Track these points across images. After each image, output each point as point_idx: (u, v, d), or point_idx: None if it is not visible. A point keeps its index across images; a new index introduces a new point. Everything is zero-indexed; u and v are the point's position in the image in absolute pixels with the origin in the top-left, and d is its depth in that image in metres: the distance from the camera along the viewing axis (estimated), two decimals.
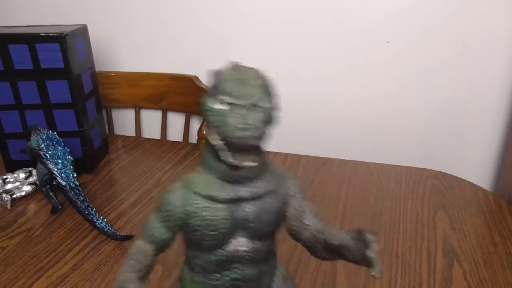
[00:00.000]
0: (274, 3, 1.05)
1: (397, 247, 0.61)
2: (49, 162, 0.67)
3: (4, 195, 0.73)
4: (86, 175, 0.83)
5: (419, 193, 0.75)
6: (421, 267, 0.57)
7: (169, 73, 1.12)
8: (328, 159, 0.88)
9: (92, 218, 0.64)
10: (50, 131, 0.71)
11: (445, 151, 1.12)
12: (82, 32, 0.81)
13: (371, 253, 0.29)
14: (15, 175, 0.78)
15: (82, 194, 0.66)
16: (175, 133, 1.23)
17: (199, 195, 0.34)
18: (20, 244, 0.63)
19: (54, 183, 0.68)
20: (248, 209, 0.34)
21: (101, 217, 0.64)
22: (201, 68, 1.14)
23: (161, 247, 0.37)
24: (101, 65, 1.17)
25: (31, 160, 0.74)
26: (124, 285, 0.33)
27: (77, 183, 0.67)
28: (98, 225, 0.63)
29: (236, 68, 0.33)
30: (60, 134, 0.74)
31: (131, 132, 1.21)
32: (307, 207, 0.36)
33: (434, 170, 0.83)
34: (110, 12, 1.16)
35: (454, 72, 1.03)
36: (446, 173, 0.82)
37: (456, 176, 0.81)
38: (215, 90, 0.32)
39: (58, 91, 0.78)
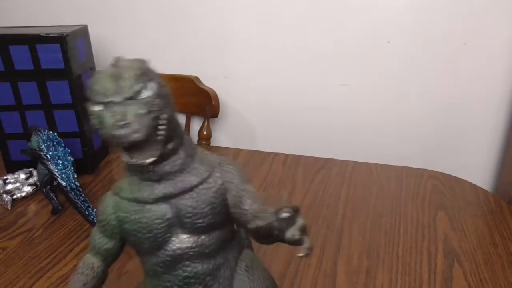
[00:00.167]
0: (274, 4, 1.05)
1: (397, 247, 0.61)
2: (49, 162, 0.67)
3: (4, 195, 0.73)
4: (86, 176, 0.83)
5: (419, 194, 0.75)
6: (421, 267, 0.57)
7: (169, 74, 1.12)
8: (329, 159, 0.88)
9: (92, 218, 0.64)
10: (51, 132, 0.71)
11: (445, 151, 1.12)
12: (82, 32, 0.81)
13: (292, 232, 0.27)
14: (16, 175, 0.78)
15: (83, 195, 0.66)
16: None
17: (126, 199, 0.34)
18: (21, 244, 0.63)
19: (55, 183, 0.68)
20: (179, 204, 0.33)
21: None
22: (202, 68, 1.14)
23: (107, 257, 0.37)
24: (101, 66, 1.16)
25: (32, 160, 0.74)
26: None
27: (78, 184, 0.67)
28: None
29: (115, 63, 0.30)
30: (61, 134, 0.74)
31: None
32: (246, 192, 0.34)
33: (434, 171, 0.83)
34: (111, 12, 1.16)
35: (454, 72, 1.03)
36: (446, 174, 0.82)
37: (456, 177, 0.81)
38: (90, 92, 0.30)
39: (59, 91, 0.78)
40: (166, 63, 1.16)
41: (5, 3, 1.22)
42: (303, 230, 0.28)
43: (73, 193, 0.65)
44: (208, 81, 1.13)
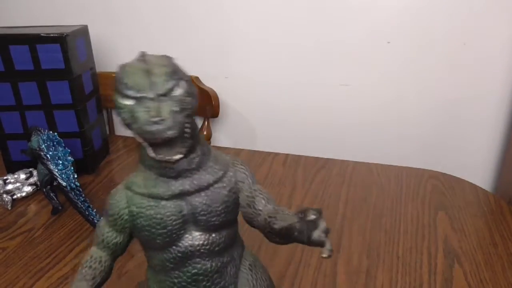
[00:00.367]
0: (274, 4, 1.05)
1: (397, 247, 0.61)
2: (49, 162, 0.67)
3: (4, 195, 0.73)
4: (86, 176, 0.83)
5: (419, 194, 0.75)
6: (421, 267, 0.57)
7: None
8: (329, 159, 0.88)
9: (92, 218, 0.64)
10: (51, 132, 0.71)
11: (445, 151, 1.12)
12: (82, 32, 0.81)
13: (318, 233, 0.27)
14: (16, 175, 0.78)
15: (83, 195, 0.66)
16: None
17: (142, 194, 0.33)
18: (21, 245, 0.63)
19: (55, 183, 0.68)
20: (195, 202, 0.33)
21: (102, 217, 0.64)
22: (202, 68, 1.14)
23: (114, 252, 0.36)
24: (101, 66, 1.17)
25: (32, 160, 0.74)
26: None
27: (78, 184, 0.67)
28: None
29: (142, 58, 0.31)
30: (61, 134, 0.74)
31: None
32: (258, 192, 0.35)
33: (434, 171, 0.83)
34: (111, 12, 1.16)
35: (454, 73, 1.03)
36: (446, 174, 0.82)
37: (456, 177, 0.81)
38: (120, 85, 0.30)
39: (59, 91, 0.78)
40: None
41: (5, 3, 1.22)
42: (327, 232, 0.28)
43: (73, 193, 0.65)
44: (208, 81, 1.13)
